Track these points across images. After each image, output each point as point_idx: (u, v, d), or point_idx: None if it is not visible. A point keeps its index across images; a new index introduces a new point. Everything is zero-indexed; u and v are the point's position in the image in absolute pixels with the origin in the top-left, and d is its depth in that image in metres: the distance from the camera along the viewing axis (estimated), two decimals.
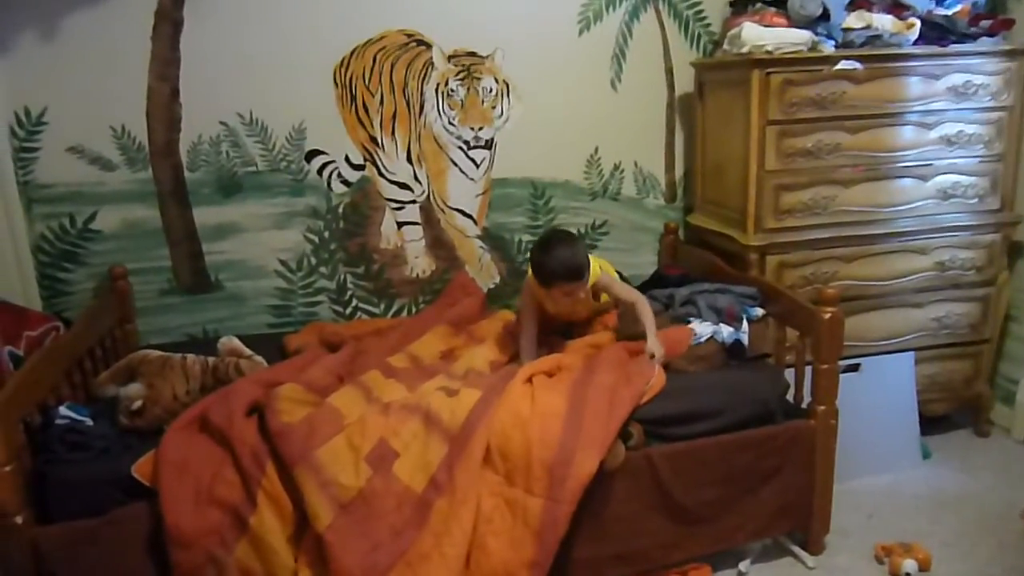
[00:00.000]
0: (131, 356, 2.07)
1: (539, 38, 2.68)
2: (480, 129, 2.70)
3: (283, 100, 2.53)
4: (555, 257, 2.06)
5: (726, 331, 2.19)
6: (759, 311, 2.28)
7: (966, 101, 2.48)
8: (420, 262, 2.80)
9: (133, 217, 2.52)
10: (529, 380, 1.99)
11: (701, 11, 2.79)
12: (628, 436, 1.91)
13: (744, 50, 2.40)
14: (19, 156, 2.39)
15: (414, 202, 2.75)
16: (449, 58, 2.63)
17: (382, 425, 1.86)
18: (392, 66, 2.61)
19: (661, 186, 2.95)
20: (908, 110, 2.46)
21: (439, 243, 2.80)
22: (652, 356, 2.05)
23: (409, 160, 2.71)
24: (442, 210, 2.77)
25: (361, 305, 2.79)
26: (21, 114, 2.37)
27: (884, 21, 2.42)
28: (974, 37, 2.48)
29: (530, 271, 2.21)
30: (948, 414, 2.78)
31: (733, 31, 2.49)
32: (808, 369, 2.13)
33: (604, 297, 2.29)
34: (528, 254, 2.82)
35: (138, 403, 1.91)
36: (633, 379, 1.98)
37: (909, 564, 2.06)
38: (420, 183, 2.74)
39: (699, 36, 2.81)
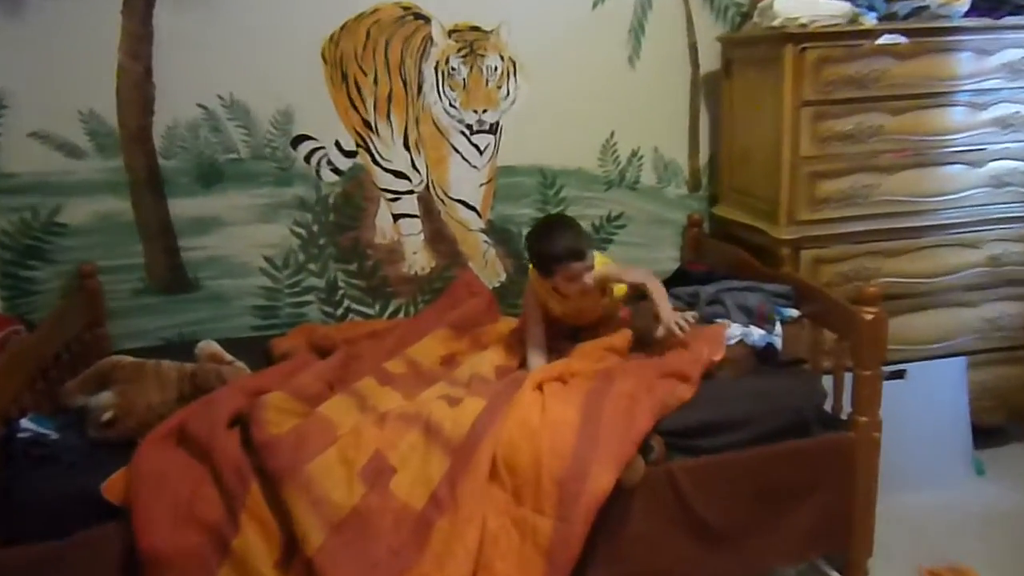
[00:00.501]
0: (101, 362, 2.07)
1: (549, 11, 2.68)
2: (484, 112, 2.70)
3: (267, 80, 2.54)
4: (554, 239, 2.10)
5: (757, 333, 2.19)
6: (793, 312, 2.27)
7: (1022, 79, 2.47)
8: (418, 258, 2.81)
9: (103, 209, 2.52)
10: (539, 387, 1.99)
11: None
12: (648, 449, 1.90)
13: (776, 23, 2.40)
14: None
15: (412, 192, 2.75)
16: (450, 33, 2.64)
17: (377, 437, 1.86)
18: (387, 43, 2.62)
19: (684, 174, 2.94)
20: (958, 89, 2.45)
21: (439, 237, 2.80)
22: (671, 330, 2.04)
23: (406, 146, 2.71)
24: (442, 201, 2.78)
25: (354, 306, 2.79)
26: None
27: None
28: None
29: (531, 270, 2.23)
30: (1002, 425, 2.77)
31: (764, 2, 2.49)
32: (848, 376, 2.12)
33: (618, 291, 2.28)
34: None
35: (109, 414, 1.91)
36: (656, 387, 1.97)
37: None
38: (418, 171, 2.74)
39: (726, 8, 2.81)
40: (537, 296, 2.24)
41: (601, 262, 2.19)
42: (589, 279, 2.12)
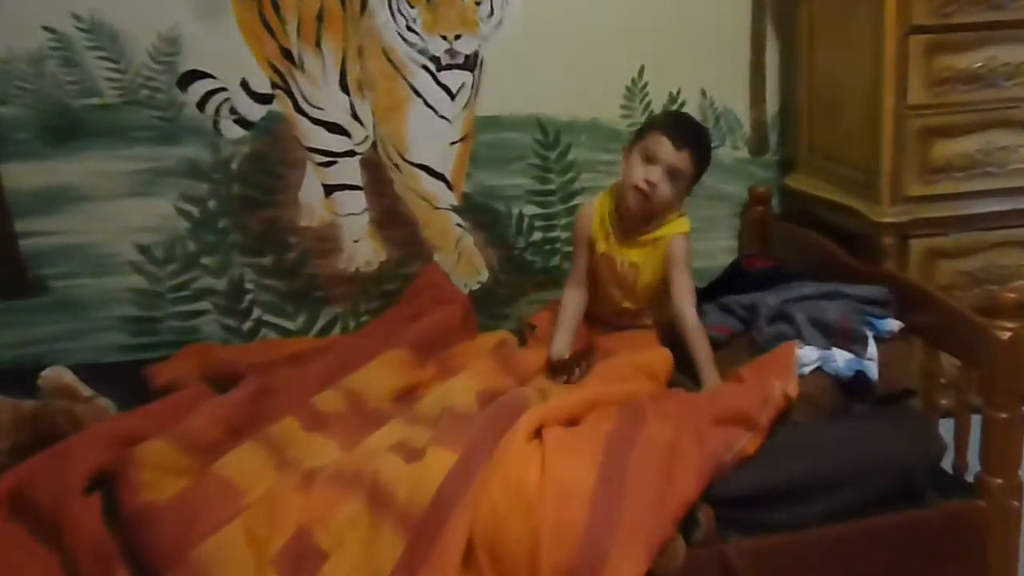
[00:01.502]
0: None
1: None
2: (457, 38, 2.70)
3: None
4: (673, 112, 2.73)
5: (841, 358, 2.19)
6: (892, 323, 2.28)
7: None
8: (363, 249, 2.81)
9: None
10: (537, 433, 1.98)
11: None
12: (692, 524, 1.91)
13: None
14: None
15: (352, 154, 2.76)
16: None
17: (301, 506, 1.85)
18: None
19: (744, 129, 2.97)
20: None
21: (393, 218, 2.81)
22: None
23: (344, 87, 2.71)
24: (397, 167, 2.78)
25: (268, 317, 2.80)
26: None
27: None
28: None
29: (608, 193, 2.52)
30: None
31: None
32: (976, 419, 2.13)
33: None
34: (536, 235, 2.84)
35: None
36: (707, 435, 1.97)
37: None
38: (362, 124, 2.74)
39: None
40: (590, 220, 2.51)
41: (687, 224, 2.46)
42: (665, 188, 2.35)
